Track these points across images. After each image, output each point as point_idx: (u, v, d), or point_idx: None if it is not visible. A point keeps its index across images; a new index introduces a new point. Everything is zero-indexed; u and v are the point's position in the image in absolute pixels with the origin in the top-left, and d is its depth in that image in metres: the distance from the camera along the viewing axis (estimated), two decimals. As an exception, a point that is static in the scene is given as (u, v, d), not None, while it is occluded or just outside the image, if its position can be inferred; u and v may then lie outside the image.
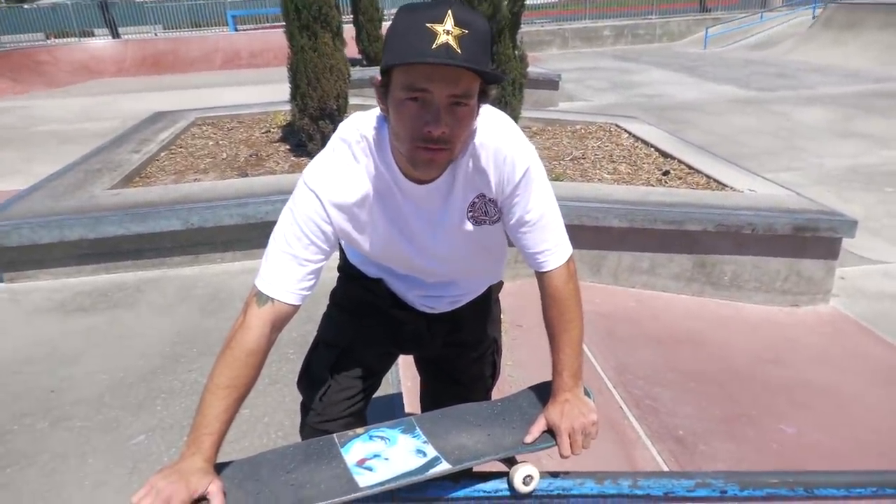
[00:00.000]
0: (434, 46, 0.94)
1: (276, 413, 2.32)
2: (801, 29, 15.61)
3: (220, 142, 5.12)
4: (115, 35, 19.06)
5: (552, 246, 1.20)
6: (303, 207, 1.13)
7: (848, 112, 8.13)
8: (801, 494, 1.24)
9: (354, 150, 1.14)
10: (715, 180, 4.14)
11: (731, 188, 3.99)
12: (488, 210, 1.21)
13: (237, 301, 3.19)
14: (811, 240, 3.48)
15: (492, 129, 1.13)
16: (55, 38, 18.25)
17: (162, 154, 4.79)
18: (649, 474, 1.22)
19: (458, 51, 0.95)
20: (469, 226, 1.21)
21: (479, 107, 1.06)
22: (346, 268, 1.46)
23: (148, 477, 0.99)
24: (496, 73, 1.03)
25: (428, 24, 0.95)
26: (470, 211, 1.19)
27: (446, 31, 0.95)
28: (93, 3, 20.18)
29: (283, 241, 1.13)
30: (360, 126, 1.15)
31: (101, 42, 17.09)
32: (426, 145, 1.02)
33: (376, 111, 1.15)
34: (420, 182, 1.14)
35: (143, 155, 4.58)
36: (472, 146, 1.12)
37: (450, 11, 0.96)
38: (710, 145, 5.65)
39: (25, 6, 15.48)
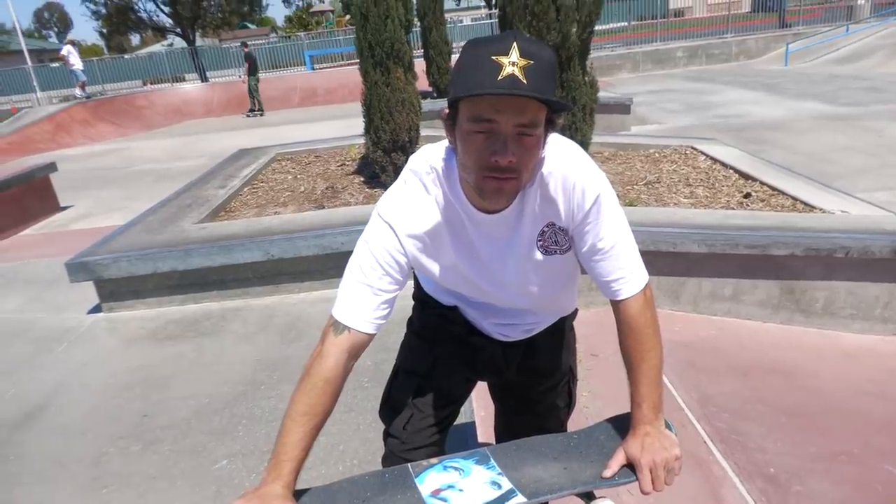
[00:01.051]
0: (500, 78, 0.96)
1: (351, 441, 2.35)
2: (892, 40, 14.74)
3: (299, 176, 5.34)
4: (204, 79, 20.40)
5: (627, 274, 1.17)
6: (377, 239, 1.16)
7: (950, 125, 7.56)
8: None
9: (425, 182, 1.17)
10: (801, 202, 3.93)
11: (820, 210, 3.77)
12: (559, 240, 1.20)
13: (315, 329, 3.28)
14: (914, 263, 3.23)
15: (560, 158, 1.13)
16: (151, 83, 19.73)
17: (245, 189, 5.04)
18: (739, 515, 1.15)
19: (524, 81, 0.96)
20: (539, 255, 1.21)
21: (546, 136, 1.07)
22: (421, 296, 1.48)
23: (229, 501, 1.02)
24: (563, 102, 1.04)
25: (493, 57, 0.97)
26: (540, 240, 1.19)
27: (512, 63, 0.96)
28: (184, 50, 21.71)
29: (358, 272, 1.16)
30: (429, 158, 1.18)
31: (190, 86, 18.34)
32: (493, 174, 1.02)
33: (445, 143, 1.17)
34: (489, 212, 1.15)
35: (228, 190, 4.84)
36: (541, 175, 1.12)
37: (515, 43, 0.97)
38: (794, 165, 5.38)
39: (126, 56, 16.90)
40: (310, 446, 1.11)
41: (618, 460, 1.13)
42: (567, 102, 1.12)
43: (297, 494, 1.10)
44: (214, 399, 2.71)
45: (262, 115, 14.82)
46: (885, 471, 2.29)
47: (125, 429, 2.55)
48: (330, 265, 3.58)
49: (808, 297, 3.37)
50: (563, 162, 1.12)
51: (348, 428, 2.42)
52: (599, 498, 1.11)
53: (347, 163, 5.51)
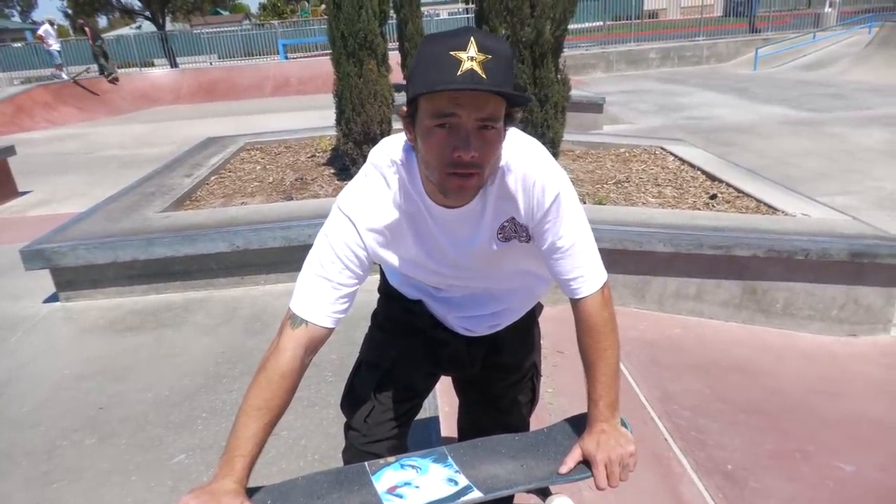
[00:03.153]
0: (459, 73, 0.96)
1: (313, 436, 2.32)
2: (857, 48, 15.14)
3: (268, 166, 5.26)
4: (174, 64, 19.97)
5: (586, 273, 1.17)
6: (337, 233, 1.15)
7: (909, 133, 7.80)
8: (859, 540, 1.16)
9: (386, 175, 1.15)
10: (765, 204, 4.01)
11: (783, 212, 3.85)
12: (518, 231, 1.19)
13: (279, 322, 3.23)
14: (870, 266, 3.32)
15: (519, 154, 1.13)
16: (118, 68, 19.25)
17: (212, 178, 4.95)
18: (692, 513, 1.16)
19: (483, 76, 0.96)
20: (499, 244, 1.20)
21: (505, 130, 1.06)
22: (386, 289, 1.47)
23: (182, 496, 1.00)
24: (522, 96, 1.03)
25: (451, 52, 0.96)
26: (500, 233, 1.19)
27: (470, 58, 0.96)
28: (154, 34, 21.20)
29: (317, 265, 1.15)
30: (390, 151, 1.16)
31: (160, 71, 17.93)
32: (456, 171, 1.02)
33: (404, 136, 1.16)
34: (450, 207, 1.14)
35: (194, 179, 4.74)
36: (501, 170, 1.12)
37: (472, 38, 0.97)
38: (760, 168, 5.50)
39: (100, 40, 16.47)
40: (264, 442, 1.09)
41: (574, 457, 1.13)
42: (526, 96, 1.11)
43: (250, 492, 1.08)
44: (174, 392, 2.65)
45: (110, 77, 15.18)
46: (836, 468, 2.36)
47: (80, 421, 2.48)
48: (297, 257, 3.48)
49: (768, 297, 3.45)
50: (522, 158, 1.12)
51: (311, 423, 2.39)
52: (555, 494, 1.12)
53: (318, 154, 5.45)
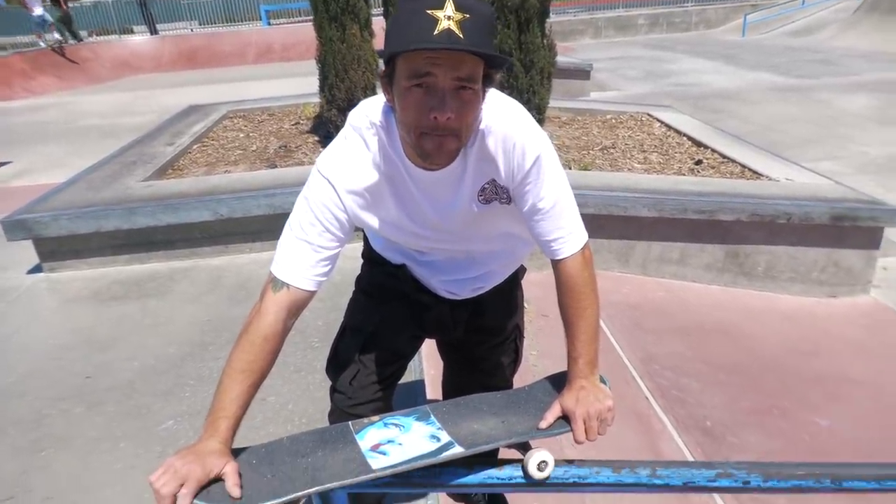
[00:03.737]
0: (436, 32, 0.94)
1: (300, 401, 2.34)
2: (845, 14, 15.06)
3: (251, 134, 5.19)
4: (154, 31, 19.48)
5: (566, 234, 1.18)
6: (317, 195, 1.14)
7: (893, 99, 7.81)
8: (829, 486, 1.20)
9: (366, 137, 1.15)
10: (750, 169, 4.03)
11: (767, 177, 3.88)
12: (500, 193, 1.19)
13: (265, 290, 3.23)
14: (850, 229, 3.37)
15: (499, 115, 1.12)
16: (97, 35, 18.74)
17: (194, 147, 4.88)
18: (669, 463, 1.19)
19: (460, 35, 0.95)
20: (480, 206, 1.20)
21: (484, 91, 1.05)
22: (370, 255, 1.47)
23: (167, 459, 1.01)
24: (500, 56, 1.02)
25: (428, 11, 0.95)
26: (480, 195, 1.18)
27: (447, 17, 0.95)
28: (132, 0, 20.63)
29: (298, 228, 1.14)
30: (369, 113, 1.15)
31: (139, 38, 17.48)
32: (432, 132, 1.01)
33: (384, 98, 1.15)
34: (429, 169, 1.14)
35: (177, 148, 4.67)
36: (480, 132, 1.11)
37: None
38: (746, 134, 5.50)
39: (69, 5, 15.95)
40: (247, 404, 1.10)
41: (553, 412, 1.16)
42: (506, 57, 1.10)
43: (235, 452, 1.09)
44: (160, 360, 2.66)
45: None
46: (812, 423, 2.42)
47: (66, 391, 2.49)
48: (281, 225, 3.44)
49: (751, 260, 3.49)
50: (502, 120, 1.11)
51: (297, 388, 2.41)
52: (535, 449, 1.14)
53: (302, 121, 5.38)
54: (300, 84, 8.20)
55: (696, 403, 2.50)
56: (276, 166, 4.28)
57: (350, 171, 1.14)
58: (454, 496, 1.89)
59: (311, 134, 5.02)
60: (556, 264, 1.20)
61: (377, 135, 1.14)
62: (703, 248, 3.50)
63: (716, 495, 1.98)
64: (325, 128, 4.79)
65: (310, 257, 1.14)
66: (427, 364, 2.47)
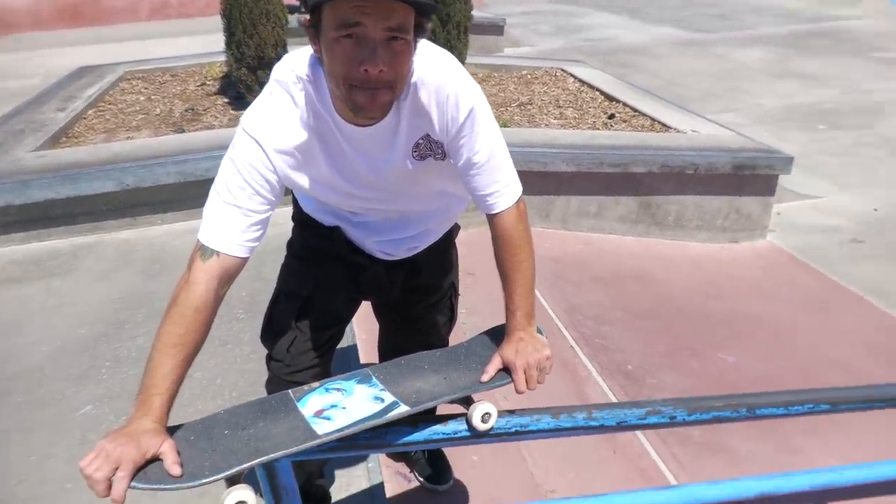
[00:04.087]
0: None
1: (228, 374, 2.28)
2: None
3: (153, 97, 4.85)
4: (28, -16, 17.60)
5: (502, 187, 1.19)
6: (244, 155, 1.08)
7: (785, 52, 8.32)
8: (745, 415, 1.31)
9: (293, 93, 1.09)
10: (659, 122, 4.20)
11: (675, 130, 4.06)
12: (434, 148, 1.18)
13: (181, 262, 3.05)
14: (750, 177, 3.60)
15: (431, 66, 1.09)
16: (-41, -12, 16.79)
17: (90, 112, 4.51)
18: (603, 406, 1.25)
19: None
20: (414, 163, 1.18)
21: (416, 42, 1.02)
22: (300, 217, 1.42)
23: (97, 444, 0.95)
24: (431, 4, 0.99)
25: None
26: (415, 151, 1.17)
27: None
28: (-2, -51, 18.49)
29: (225, 192, 1.09)
30: (295, 67, 1.10)
31: (11, -8, 15.76)
32: (364, 85, 0.97)
33: (310, 50, 1.09)
34: (361, 125, 1.10)
35: (70, 113, 4.30)
36: (413, 85, 1.08)
37: None
38: (654, 88, 5.70)
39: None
40: (181, 379, 1.06)
41: (494, 365, 1.18)
42: (436, 4, 1.07)
43: (170, 430, 1.05)
44: (71, 343, 2.50)
45: None
46: (720, 360, 2.62)
47: (-35, 381, 2.30)
48: (193, 194, 3.34)
49: (662, 210, 3.67)
50: (435, 71, 1.09)
51: (224, 361, 2.34)
52: (478, 402, 1.16)
53: (209, 82, 5.08)
54: (203, 42, 7.73)
55: (617, 349, 2.64)
56: (183, 131, 4.04)
57: (278, 129, 1.09)
58: (394, 456, 1.92)
59: (219, 95, 4.75)
60: (492, 218, 1.21)
61: (304, 89, 1.09)
62: (618, 200, 3.64)
63: (639, 433, 2.12)
64: (235, 88, 4.55)
65: (240, 222, 1.09)
66: (358, 329, 2.46)
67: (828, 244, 3.70)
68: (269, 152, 1.09)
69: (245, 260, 1.12)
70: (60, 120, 4.16)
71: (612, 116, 4.35)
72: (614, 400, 2.31)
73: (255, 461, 0.99)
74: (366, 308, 1.67)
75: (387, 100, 1.03)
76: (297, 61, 1.10)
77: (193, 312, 1.05)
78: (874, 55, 8.03)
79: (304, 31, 1.02)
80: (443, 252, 1.50)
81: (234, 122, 4.20)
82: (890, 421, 1.98)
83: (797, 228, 3.89)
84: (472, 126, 1.12)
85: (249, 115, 1.11)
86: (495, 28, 8.82)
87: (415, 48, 1.03)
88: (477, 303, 2.80)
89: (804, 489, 1.51)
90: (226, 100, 4.64)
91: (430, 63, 1.09)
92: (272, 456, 1.00)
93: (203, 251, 1.08)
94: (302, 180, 1.16)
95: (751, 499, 1.52)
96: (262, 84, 4.20)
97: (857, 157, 4.98)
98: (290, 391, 1.17)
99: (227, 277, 1.10)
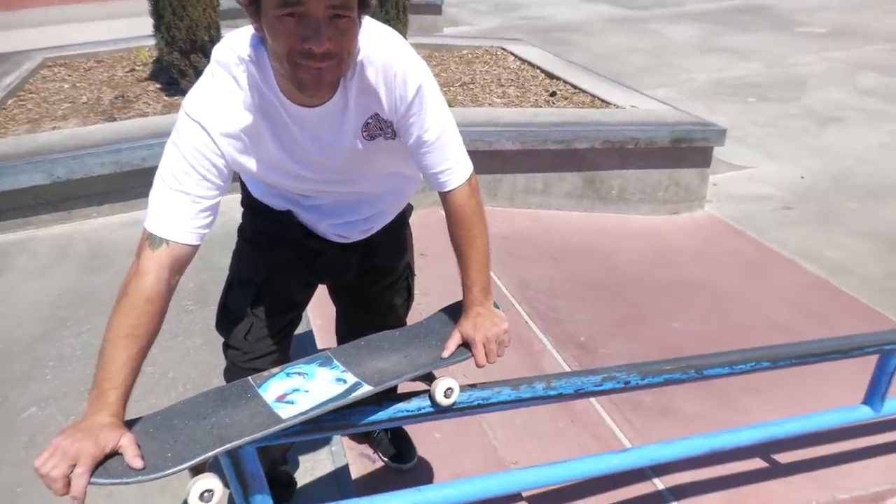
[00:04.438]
0: None
1: (181, 367, 2.23)
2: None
3: (78, 84, 4.61)
4: (-72, -34, 16.33)
5: (453, 165, 1.20)
6: (189, 140, 1.05)
7: (714, 28, 8.59)
8: (693, 376, 1.38)
9: (235, 74, 1.06)
10: (599, 98, 4.28)
11: (615, 105, 4.15)
12: (383, 128, 1.17)
13: (122, 255, 2.97)
14: (687, 150, 3.73)
15: (377, 43, 1.08)
16: None
17: (9, 102, 4.24)
18: (561, 375, 1.30)
19: None
20: (362, 142, 1.17)
21: (360, 19, 1.01)
22: (250, 202, 1.39)
23: (51, 441, 0.92)
24: None
25: None
26: (364, 130, 1.16)
27: None
28: None
29: (171, 179, 1.05)
30: (236, 47, 1.06)
31: (-90, -25, 14.58)
32: (308, 63, 0.96)
33: (251, 29, 1.07)
34: (309, 106, 1.08)
35: (-13, 104, 4.05)
36: (360, 63, 1.07)
37: None
38: (592, 65, 5.80)
39: None
40: (136, 371, 1.03)
41: (454, 340, 1.20)
42: None
43: (129, 425, 1.02)
44: (9, 344, 2.38)
45: None
46: (666, 326, 2.73)
47: None
48: (131, 184, 3.21)
49: (605, 185, 3.76)
50: (381, 48, 1.08)
51: (176, 354, 2.28)
52: (440, 378, 1.18)
53: (138, 68, 4.86)
54: (128, 25, 7.36)
55: (569, 321, 2.71)
56: (115, 119, 3.86)
57: (222, 112, 1.06)
58: (358, 438, 1.93)
59: (150, 81, 4.55)
60: (445, 196, 1.21)
61: (247, 70, 1.06)
62: (563, 176, 3.71)
63: (594, 402, 2.19)
64: (168, 73, 4.37)
65: (188, 209, 1.06)
66: (313, 314, 2.44)
67: (760, 212, 3.89)
68: (214, 136, 1.06)
69: (196, 248, 1.09)
70: (-22, 111, 3.91)
71: (553, 94, 4.41)
72: (568, 370, 2.37)
73: (220, 449, 0.98)
74: (321, 293, 1.66)
75: (334, 77, 1.01)
76: (238, 42, 1.07)
77: (144, 303, 1.02)
78: (797, 30, 8.40)
79: (244, 8, 1.00)
80: (397, 232, 1.50)
81: (168, 109, 4.04)
82: (825, 374, 2.12)
83: (732, 198, 4.06)
84: (420, 104, 1.12)
85: (192, 99, 1.07)
86: (433, 7, 8.75)
87: (360, 24, 1.01)
88: (430, 284, 2.81)
89: (750, 443, 1.61)
90: (158, 86, 4.46)
91: (375, 40, 1.08)
92: (237, 443, 0.99)
93: (151, 240, 1.05)
94: (250, 164, 1.14)
95: (701, 455, 1.61)
96: (196, 68, 4.08)
97: (784, 128, 5.22)
98: (250, 378, 1.16)
99: (178, 266, 1.08)
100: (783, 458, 2.02)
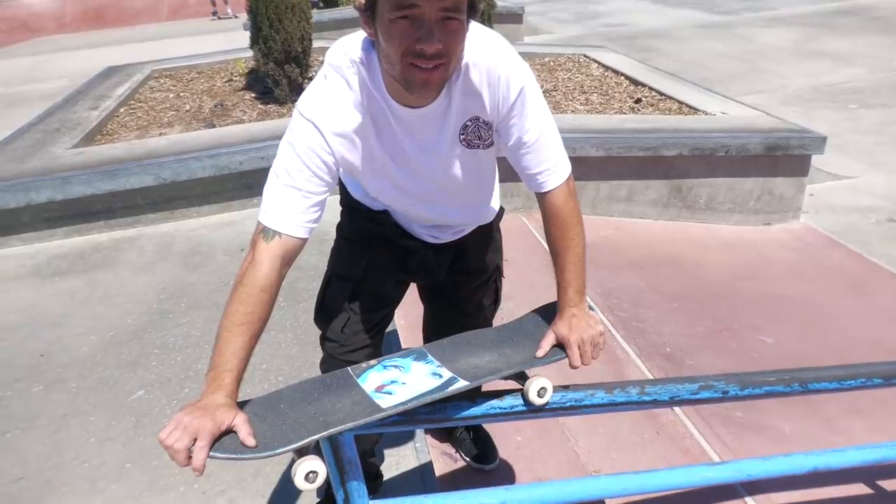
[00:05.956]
0: None
1: (273, 360, 2.33)
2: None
3: (182, 94, 4.93)
4: (51, -12, 17.88)
5: (552, 166, 1.20)
6: (303, 139, 1.11)
7: (810, 32, 8.16)
8: (797, 389, 1.32)
9: (347, 77, 1.12)
10: (687, 105, 4.16)
11: (703, 112, 4.02)
12: (482, 134, 1.19)
13: (219, 254, 3.15)
14: (782, 158, 3.56)
15: (482, 47, 1.11)
16: (-15, -6, 17.12)
17: (122, 110, 4.60)
18: (656, 381, 1.27)
19: None
20: (461, 149, 1.20)
21: (468, 23, 1.04)
22: (349, 202, 1.45)
23: (152, 430, 0.99)
24: None
25: None
26: (462, 134, 1.18)
27: None
28: (21, -46, 18.80)
29: (284, 175, 1.12)
30: (349, 51, 1.12)
31: (36, -4, 16.04)
32: (419, 63, 0.99)
33: (363, 34, 1.11)
34: (413, 107, 1.12)
35: (102, 112, 4.39)
36: (465, 66, 1.10)
37: None
38: (678, 72, 5.64)
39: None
40: (249, 356, 1.10)
41: (549, 340, 1.20)
42: None
43: (240, 405, 1.09)
44: (119, 332, 2.57)
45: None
46: (759, 341, 2.60)
47: (20, 371, 2.37)
48: (228, 187, 3.40)
49: (693, 194, 3.64)
50: (486, 52, 1.11)
51: (268, 347, 2.39)
52: (533, 377, 1.19)
53: (235, 78, 5.14)
54: (225, 39, 7.80)
55: (654, 332, 2.64)
56: (214, 126, 4.11)
57: (334, 112, 1.12)
58: (440, 437, 1.95)
59: (247, 91, 4.81)
60: (543, 197, 1.22)
61: (358, 73, 1.11)
62: (648, 184, 3.63)
63: (681, 414, 2.12)
64: (262, 83, 4.61)
65: (299, 204, 1.12)
66: (397, 315, 2.48)
67: (863, 224, 3.65)
68: (326, 135, 1.11)
69: (305, 241, 1.15)
70: (94, 118, 4.26)
71: (638, 101, 4.32)
72: (653, 381, 2.31)
73: (325, 433, 1.02)
74: (407, 295, 1.70)
75: (441, 79, 1.05)
76: (350, 45, 1.13)
77: (259, 291, 1.09)
78: (904, 32, 7.85)
79: (360, 14, 1.04)
80: (488, 234, 1.52)
81: (263, 116, 4.25)
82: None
83: (831, 209, 3.83)
84: (522, 106, 1.14)
85: (306, 100, 1.13)
86: (514, 16, 8.77)
87: (467, 28, 1.04)
88: (511, 289, 2.81)
89: (857, 464, 1.51)
90: (254, 95, 4.70)
91: (480, 44, 1.11)
92: (340, 428, 1.03)
93: (265, 232, 1.12)
94: (357, 162, 1.18)
95: (801, 474, 1.52)
96: (289, 78, 4.27)
97: (890, 135, 4.88)
98: (349, 368, 1.20)
99: (289, 257, 1.14)
100: (890, 485, 1.89)
